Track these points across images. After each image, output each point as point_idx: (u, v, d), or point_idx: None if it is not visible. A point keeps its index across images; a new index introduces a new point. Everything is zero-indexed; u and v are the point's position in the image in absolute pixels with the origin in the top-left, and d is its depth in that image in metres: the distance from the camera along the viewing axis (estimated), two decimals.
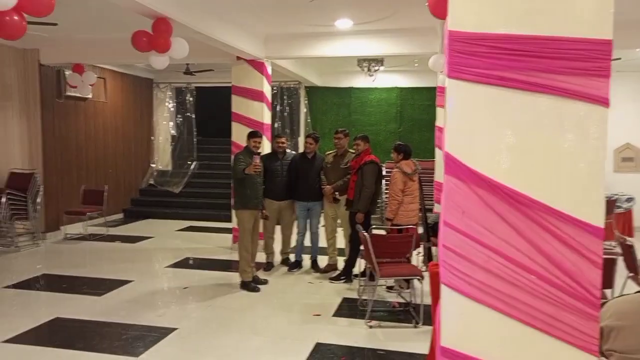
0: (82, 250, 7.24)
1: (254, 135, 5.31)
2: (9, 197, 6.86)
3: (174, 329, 4.22)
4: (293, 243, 6.22)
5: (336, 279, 5.62)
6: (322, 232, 6.07)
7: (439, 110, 7.06)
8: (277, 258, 6.28)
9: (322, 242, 6.13)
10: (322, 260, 6.13)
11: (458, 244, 1.83)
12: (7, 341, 3.94)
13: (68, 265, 6.28)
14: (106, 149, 9.40)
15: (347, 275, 5.59)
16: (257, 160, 5.06)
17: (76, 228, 8.17)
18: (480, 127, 1.81)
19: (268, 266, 6.06)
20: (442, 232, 1.94)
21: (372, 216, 5.55)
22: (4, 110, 7.35)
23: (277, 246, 6.25)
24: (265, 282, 5.46)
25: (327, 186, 5.68)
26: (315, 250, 6.08)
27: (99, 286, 5.38)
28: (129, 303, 4.88)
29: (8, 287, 5.34)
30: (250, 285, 5.24)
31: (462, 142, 1.82)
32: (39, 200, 7.37)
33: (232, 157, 5.56)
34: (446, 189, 1.87)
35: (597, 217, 1.75)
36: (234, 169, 5.21)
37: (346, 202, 5.54)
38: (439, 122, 6.99)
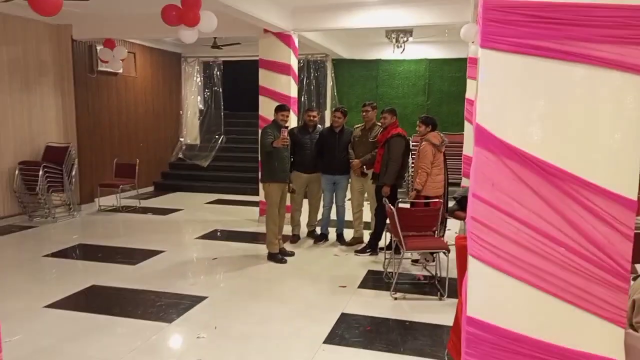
0: (116, 221, 7.49)
1: (282, 109, 5.33)
2: (45, 169, 7.11)
3: (204, 298, 4.36)
4: (319, 216, 6.28)
5: (362, 251, 5.67)
6: (348, 205, 6.10)
7: (469, 82, 6.91)
8: (304, 230, 6.36)
9: (348, 216, 6.16)
10: (348, 234, 6.18)
11: (487, 216, 1.83)
12: (48, 306, 4.15)
13: (103, 236, 6.52)
14: (137, 123, 9.58)
15: (372, 248, 5.65)
16: (285, 133, 5.09)
17: (109, 200, 8.43)
18: (512, 98, 1.78)
19: (294, 238, 6.16)
20: (470, 204, 1.94)
21: (399, 190, 5.55)
22: (40, 85, 7.55)
23: (304, 219, 6.32)
24: (292, 254, 5.55)
25: (355, 160, 5.68)
26: (341, 224, 6.13)
27: (132, 256, 5.58)
28: (162, 272, 5.05)
29: (47, 255, 5.59)
30: (277, 257, 5.33)
31: (493, 114, 1.80)
32: (73, 173, 7.62)
33: (260, 131, 5.59)
34: (476, 161, 1.86)
35: (630, 190, 1.72)
36: (261, 142, 5.26)
37: (372, 176, 5.55)
38: (469, 94, 6.85)
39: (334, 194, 6.04)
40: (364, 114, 5.70)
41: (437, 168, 5.08)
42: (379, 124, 5.65)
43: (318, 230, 6.29)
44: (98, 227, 7.22)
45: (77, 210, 7.79)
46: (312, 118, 5.95)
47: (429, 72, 10.26)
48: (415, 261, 5.30)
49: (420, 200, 5.03)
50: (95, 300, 4.32)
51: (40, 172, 7.06)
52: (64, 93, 7.84)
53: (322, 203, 6.17)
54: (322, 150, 5.91)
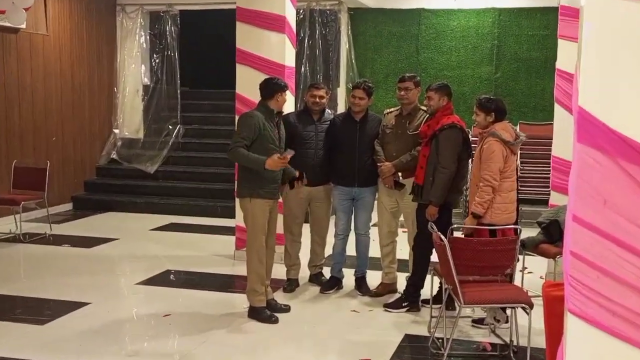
0: (15, 256, 7.49)
1: (279, 87, 5.34)
2: None
3: None
4: (328, 251, 6.26)
5: (395, 305, 5.67)
6: (374, 233, 6.08)
7: (563, 45, 6.91)
8: (305, 273, 6.36)
9: (374, 251, 6.15)
10: (374, 278, 6.17)
11: (596, 252, 1.83)
12: None
13: None
14: (48, 105, 9.66)
15: (412, 300, 5.63)
16: (288, 156, 5.16)
17: (5, 224, 8.45)
18: (638, 69, 1.78)
19: (290, 285, 6.16)
20: (569, 233, 1.93)
21: (454, 210, 5.54)
22: None
23: (304, 255, 6.33)
24: (286, 309, 5.52)
25: (386, 163, 5.69)
26: (363, 262, 6.13)
27: (40, 310, 5.55)
28: (85, 335, 5.03)
29: None
30: (264, 313, 5.31)
31: (605, 94, 1.81)
32: None
33: (238, 120, 5.58)
34: (578, 167, 1.87)
35: None
36: (235, 151, 5.13)
37: (413, 189, 5.55)
38: (563, 64, 6.84)
39: (353, 217, 6.05)
40: (402, 93, 5.69)
41: (510, 180, 5.06)
42: (424, 108, 5.66)
43: (327, 272, 6.29)
44: None
45: None
46: (317, 99, 5.96)
47: (499, 29, 10.29)
48: (478, 321, 5.27)
49: (478, 231, 5.01)
50: None
51: None
52: None
53: (333, 230, 6.17)
54: (335, 148, 5.93)
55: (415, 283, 5.61)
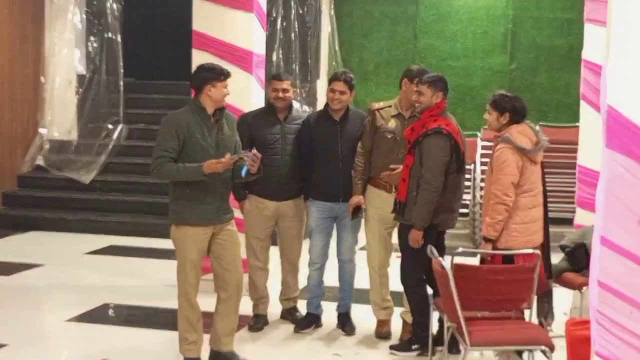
0: None
1: (218, 73, 4.97)
2: None
3: None
4: (303, 279, 6.25)
5: (405, 348, 5.62)
6: (361, 259, 6.08)
7: (591, 30, 6.99)
8: (275, 308, 6.34)
9: (361, 281, 6.15)
10: (361, 313, 6.15)
11: (629, 282, 1.85)
12: None
13: None
14: None
15: (422, 342, 5.47)
16: (253, 154, 4.81)
17: None
18: None
19: (257, 322, 6.12)
20: (597, 259, 1.94)
21: (450, 231, 5.59)
22: None
23: (274, 286, 6.31)
24: None
25: (386, 173, 5.60)
26: (347, 295, 6.13)
27: None
28: None
29: None
30: None
31: None
32: None
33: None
34: (607, 178, 1.89)
35: None
36: (159, 168, 4.87)
37: (395, 206, 5.54)
38: (591, 53, 6.92)
39: (336, 240, 6.05)
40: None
41: (529, 195, 5.07)
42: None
43: (302, 306, 6.28)
44: None
45: None
46: (280, 94, 5.92)
47: (514, 11, 10.38)
48: None
49: (493, 258, 5.03)
50: None
51: None
52: None
53: (307, 256, 6.16)
54: (310, 154, 5.94)
55: (420, 322, 5.52)
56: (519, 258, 4.92)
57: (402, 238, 5.43)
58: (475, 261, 5.34)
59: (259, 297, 6.20)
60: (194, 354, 5.03)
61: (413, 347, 5.57)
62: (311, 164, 5.94)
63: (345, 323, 6.09)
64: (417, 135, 5.29)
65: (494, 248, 5.04)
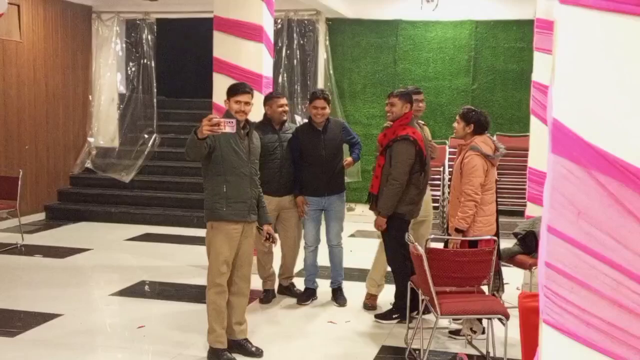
0: None
1: (237, 91, 4.74)
2: None
3: None
4: (299, 262, 6.27)
5: (385, 316, 5.67)
6: (350, 243, 6.09)
7: (539, 57, 6.99)
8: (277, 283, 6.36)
9: (352, 260, 6.14)
10: (353, 288, 6.16)
11: (570, 263, 1.85)
12: None
13: None
14: (21, 113, 9.55)
15: (403, 312, 5.47)
16: (223, 124, 4.24)
17: None
18: (611, 81, 1.81)
19: (267, 296, 6.15)
20: (544, 244, 1.94)
21: (415, 221, 5.59)
22: None
23: (276, 266, 6.32)
24: (258, 353, 4.89)
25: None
26: (338, 273, 6.14)
27: (9, 322, 5.50)
28: (56, 348, 4.98)
29: None
30: (223, 356, 4.71)
31: (580, 105, 1.84)
32: None
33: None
34: (553, 178, 1.88)
35: None
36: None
37: (368, 198, 5.62)
38: (538, 76, 6.92)
39: (325, 227, 6.06)
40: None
41: (490, 193, 5.08)
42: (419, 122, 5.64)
43: (298, 283, 6.29)
44: None
45: None
46: (285, 108, 5.98)
47: (476, 41, 10.38)
48: (455, 332, 5.28)
49: (462, 244, 5.02)
50: None
51: None
52: None
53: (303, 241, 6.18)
54: (301, 160, 5.94)
55: (401, 295, 5.54)
56: (481, 243, 4.94)
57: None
58: (442, 245, 5.35)
59: (267, 276, 6.20)
60: (221, 345, 4.75)
61: (394, 316, 5.61)
62: (300, 166, 5.94)
63: (338, 297, 6.11)
64: (388, 140, 5.35)
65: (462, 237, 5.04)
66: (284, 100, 6.01)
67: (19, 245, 8.19)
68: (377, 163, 5.51)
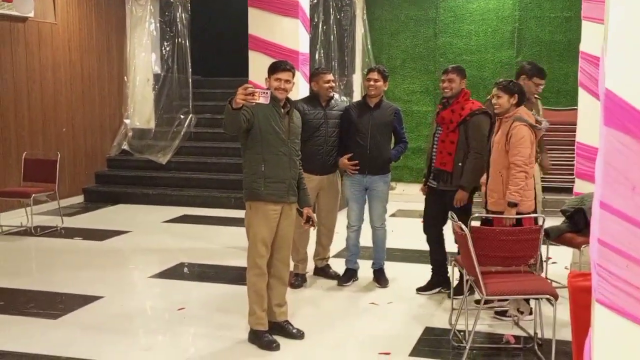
0: (26, 250, 7.58)
1: (277, 68, 4.74)
2: None
3: None
4: (339, 244, 6.25)
5: (427, 288, 5.83)
6: (391, 223, 6.08)
7: (587, 27, 6.84)
8: (310, 266, 6.36)
9: (393, 241, 6.14)
10: (395, 268, 6.18)
11: (625, 239, 1.82)
12: None
13: (6, 273, 6.59)
14: (57, 95, 9.71)
15: (442, 281, 5.80)
16: (257, 94, 4.19)
17: (16, 216, 8.54)
18: None
19: (298, 280, 6.10)
20: (596, 221, 1.91)
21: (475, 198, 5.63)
22: None
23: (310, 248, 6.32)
24: (299, 335, 4.91)
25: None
26: (380, 255, 6.14)
27: (52, 304, 5.62)
28: (98, 330, 5.08)
29: None
30: (264, 338, 4.74)
31: (634, 75, 1.80)
32: None
33: None
34: (605, 151, 1.85)
35: None
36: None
37: (437, 175, 5.62)
38: (587, 46, 6.77)
39: (368, 209, 6.05)
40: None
41: (532, 166, 5.08)
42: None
43: (334, 265, 6.30)
44: None
45: None
46: (331, 84, 5.98)
47: (520, 12, 10.21)
48: (501, 313, 5.26)
49: (500, 216, 4.98)
50: None
51: None
52: None
53: (344, 222, 6.18)
54: (348, 136, 5.94)
55: (440, 267, 5.81)
56: (526, 221, 4.89)
57: (439, 202, 5.59)
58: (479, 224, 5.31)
59: (300, 259, 6.17)
60: (262, 327, 4.76)
61: (437, 287, 5.84)
62: (346, 143, 5.94)
63: (380, 278, 6.12)
64: (459, 116, 5.41)
65: (497, 212, 5.00)
66: (330, 76, 6.00)
67: (58, 228, 8.37)
68: (447, 140, 5.49)
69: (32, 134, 9.25)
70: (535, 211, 5.11)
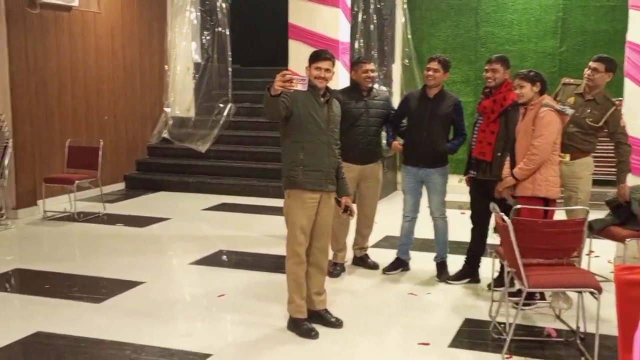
0: (69, 235, 7.71)
1: (317, 57, 4.75)
2: None
3: (206, 356, 4.42)
4: (378, 234, 6.23)
5: (456, 277, 5.79)
6: (458, 216, 6.03)
7: (635, 15, 6.69)
8: (349, 255, 6.34)
9: (455, 233, 6.11)
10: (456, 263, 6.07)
11: None
12: None
13: (50, 258, 6.72)
14: (99, 84, 9.84)
15: (473, 272, 5.76)
16: (295, 80, 4.21)
17: (60, 203, 8.70)
18: None
19: (336, 269, 6.08)
20: None
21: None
22: None
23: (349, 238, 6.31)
24: (338, 323, 4.91)
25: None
26: (441, 248, 6.04)
27: (95, 289, 5.73)
28: (139, 315, 5.16)
29: None
30: (303, 326, 4.76)
31: None
32: (7, 161, 7.91)
33: None
34: None
35: None
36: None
37: (474, 165, 5.58)
38: (633, 36, 6.64)
39: (428, 199, 5.99)
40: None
41: (557, 152, 5.05)
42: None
43: (374, 254, 6.26)
44: (44, 243, 7.47)
45: (12, 217, 8.08)
46: (370, 74, 5.92)
47: (564, 0, 10.02)
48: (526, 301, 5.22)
49: (532, 204, 4.90)
50: (40, 358, 4.44)
51: None
52: None
53: (392, 211, 6.16)
54: (407, 126, 5.91)
55: (474, 255, 5.80)
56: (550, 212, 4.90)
57: (479, 192, 5.57)
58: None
59: (340, 248, 6.16)
60: (301, 315, 4.79)
61: (463, 277, 5.84)
62: (404, 134, 5.91)
63: (440, 271, 6.01)
64: (501, 106, 5.38)
65: (533, 198, 4.94)
66: (368, 66, 5.92)
67: (101, 214, 8.50)
68: (487, 130, 5.44)
69: (75, 122, 9.39)
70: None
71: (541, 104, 4.95)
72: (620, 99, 7.44)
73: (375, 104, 5.94)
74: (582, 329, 4.61)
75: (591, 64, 5.54)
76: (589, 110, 5.50)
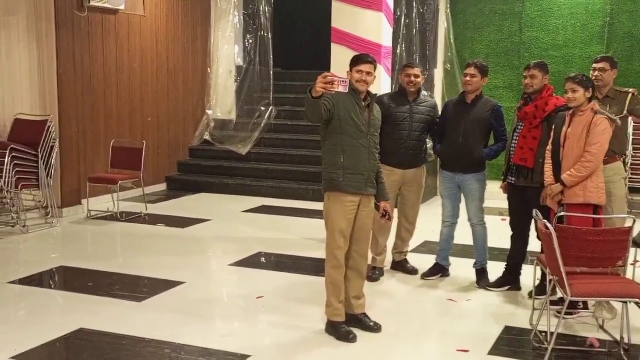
0: (113, 234, 7.85)
1: (359, 60, 4.73)
2: (13, 155, 7.53)
3: (245, 357, 4.45)
4: (417, 239, 6.20)
5: (497, 285, 5.74)
6: (497, 223, 5.97)
7: None
8: (388, 259, 6.32)
9: (495, 239, 6.07)
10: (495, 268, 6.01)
11: None
12: (13, 358, 4.37)
13: (94, 256, 6.85)
14: (143, 86, 9.99)
15: (516, 281, 5.71)
16: (337, 82, 4.23)
17: (103, 203, 8.85)
18: None
19: (375, 274, 6.08)
20: None
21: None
22: (7, 28, 8.06)
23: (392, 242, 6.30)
24: (376, 328, 4.91)
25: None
26: (480, 254, 5.97)
27: (137, 287, 5.81)
28: (180, 314, 5.22)
29: (13, 282, 5.94)
30: (341, 329, 4.76)
31: None
32: (53, 161, 8.06)
33: None
34: None
35: None
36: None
37: (515, 171, 5.51)
38: None
39: (466, 205, 5.94)
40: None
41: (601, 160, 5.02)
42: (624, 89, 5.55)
43: (413, 260, 6.23)
44: (87, 242, 7.60)
45: (58, 216, 8.23)
46: (412, 79, 5.87)
47: (612, 5, 9.87)
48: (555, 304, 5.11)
49: (583, 211, 4.85)
50: (83, 354, 4.52)
51: (7, 159, 7.48)
52: (40, 40, 8.28)
53: (432, 217, 6.12)
54: (445, 131, 5.87)
55: (515, 266, 5.76)
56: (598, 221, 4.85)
57: (521, 200, 5.49)
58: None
59: (379, 252, 6.15)
60: (339, 318, 4.79)
61: (504, 285, 5.79)
62: (442, 139, 5.90)
63: (480, 278, 5.96)
64: (543, 112, 5.32)
65: (585, 207, 4.90)
66: (412, 71, 5.88)
67: (143, 214, 8.61)
68: (529, 136, 5.38)
69: (119, 123, 9.55)
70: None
71: (594, 111, 4.92)
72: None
73: (420, 110, 5.90)
74: (626, 340, 4.50)
75: (596, 65, 5.53)
76: (608, 108, 5.44)
